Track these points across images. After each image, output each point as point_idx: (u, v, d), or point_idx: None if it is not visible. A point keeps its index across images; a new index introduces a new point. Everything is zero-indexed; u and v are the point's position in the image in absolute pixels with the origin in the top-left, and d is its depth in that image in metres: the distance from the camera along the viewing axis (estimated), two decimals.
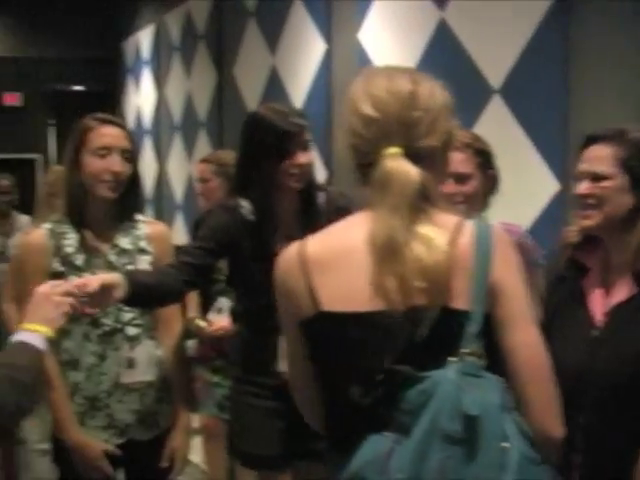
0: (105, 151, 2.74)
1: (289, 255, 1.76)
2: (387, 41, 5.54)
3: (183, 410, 2.93)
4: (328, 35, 6.31)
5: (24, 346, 2.06)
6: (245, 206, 2.86)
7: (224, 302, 3.96)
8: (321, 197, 2.97)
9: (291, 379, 1.88)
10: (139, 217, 2.94)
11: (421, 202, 1.64)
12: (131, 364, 2.77)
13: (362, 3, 5.77)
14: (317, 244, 1.74)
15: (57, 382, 2.73)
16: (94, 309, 2.39)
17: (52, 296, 2.20)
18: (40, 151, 12.53)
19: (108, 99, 11.97)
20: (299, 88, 6.76)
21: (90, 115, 2.86)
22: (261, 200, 2.83)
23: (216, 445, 4.10)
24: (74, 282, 2.34)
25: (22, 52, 12.50)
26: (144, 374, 2.81)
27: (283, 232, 2.83)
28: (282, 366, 2.72)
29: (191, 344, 4.11)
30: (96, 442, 2.74)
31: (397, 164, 1.64)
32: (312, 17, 6.54)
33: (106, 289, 2.40)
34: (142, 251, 2.87)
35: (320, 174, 6.03)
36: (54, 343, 2.72)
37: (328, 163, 6.19)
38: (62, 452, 2.79)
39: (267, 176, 2.80)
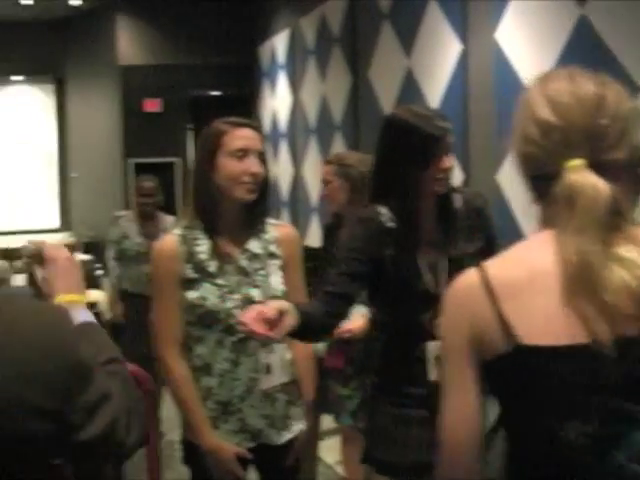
0: (242, 153, 2.73)
1: (468, 283, 1.53)
2: (524, 40, 5.42)
3: (311, 411, 2.92)
4: (464, 35, 6.23)
5: (102, 333, 1.80)
6: (384, 213, 2.77)
7: None
8: (457, 199, 2.87)
9: (454, 433, 1.59)
10: (268, 220, 2.93)
11: (613, 219, 1.45)
12: (269, 370, 2.77)
13: (498, 2, 5.67)
14: (500, 269, 1.52)
15: (190, 387, 2.75)
16: (275, 335, 2.36)
17: (74, 259, 1.93)
18: (179, 155, 12.85)
19: (244, 103, 12.16)
20: (435, 90, 6.69)
21: (222, 119, 2.86)
22: (404, 206, 2.74)
23: (354, 450, 4.09)
24: (255, 309, 2.32)
25: (162, 60, 12.84)
26: (279, 378, 2.81)
27: (423, 238, 2.76)
28: (432, 375, 2.68)
29: (320, 347, 4.11)
30: (229, 445, 2.75)
31: (583, 177, 1.45)
32: (447, 18, 6.47)
33: (281, 315, 2.37)
34: (272, 255, 2.85)
35: (457, 177, 5.95)
36: (188, 348, 2.75)
37: (465, 166, 6.10)
38: (193, 454, 2.81)
39: (410, 182, 2.71)
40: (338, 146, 8.78)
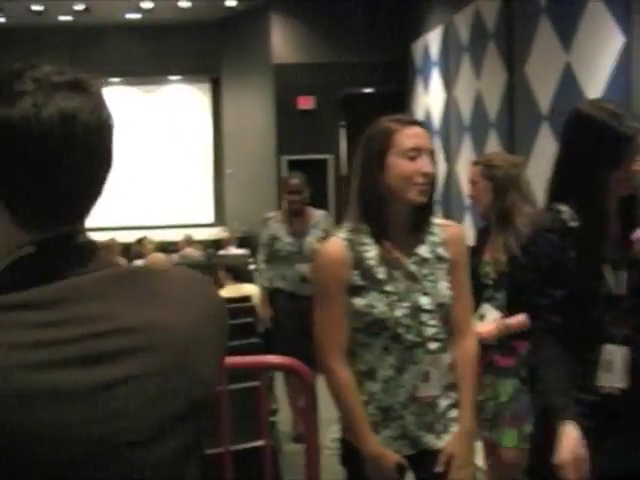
0: (415, 153, 2.60)
1: None
2: None
3: (466, 415, 2.81)
4: (627, 27, 6.01)
5: None
6: (565, 211, 2.63)
7: (487, 308, 3.84)
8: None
9: None
10: (434, 220, 2.80)
11: None
12: (426, 378, 2.69)
13: None
14: None
15: (354, 392, 2.69)
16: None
17: None
18: (332, 152, 12.94)
19: (397, 100, 12.14)
20: (595, 85, 6.49)
21: (388, 117, 2.75)
22: (590, 207, 2.60)
23: (493, 460, 4.00)
24: (572, 458, 2.38)
25: (315, 58, 12.97)
26: (435, 388, 2.71)
27: (606, 238, 2.63)
28: (601, 380, 2.58)
29: None
30: (391, 453, 2.68)
31: None
32: (610, 9, 6.26)
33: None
34: (440, 259, 2.72)
35: None
36: (352, 353, 2.70)
37: None
38: (352, 456, 2.76)
39: (598, 182, 2.57)
40: (492, 144, 8.65)
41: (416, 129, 2.65)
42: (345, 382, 2.68)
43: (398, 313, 2.61)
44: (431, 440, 2.72)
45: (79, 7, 13.78)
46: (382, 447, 2.67)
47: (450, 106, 10.22)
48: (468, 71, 9.52)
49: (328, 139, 12.90)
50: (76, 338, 1.09)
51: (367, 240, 2.67)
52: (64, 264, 1.14)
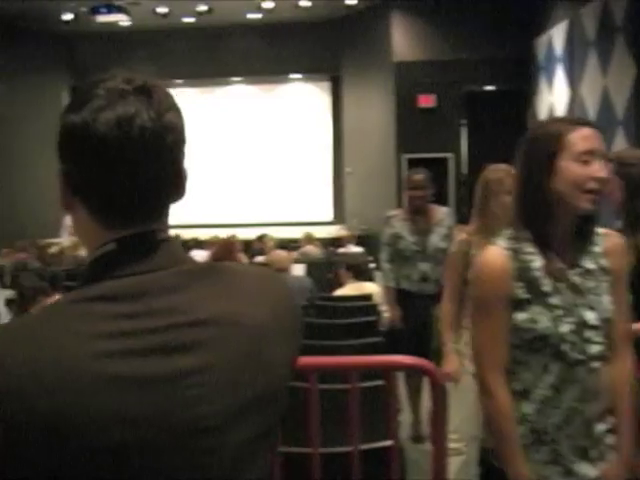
0: (589, 156, 2.42)
1: None
2: None
3: (627, 442, 2.65)
4: None
5: None
6: None
7: None
8: None
9: None
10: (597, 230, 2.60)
11: None
12: (587, 398, 2.55)
13: None
14: None
15: (512, 418, 2.53)
16: None
17: None
18: (453, 150, 12.83)
19: (520, 98, 11.95)
20: None
21: (555, 117, 2.60)
22: None
23: None
24: None
25: (436, 55, 12.89)
26: (595, 410, 2.58)
27: None
28: None
29: None
30: None
31: None
32: None
33: None
34: (603, 270, 2.55)
35: None
36: (509, 372, 2.58)
37: None
38: (493, 477, 2.66)
39: None
40: (620, 142, 8.42)
41: (588, 130, 2.45)
42: (503, 404, 2.53)
43: (563, 329, 2.48)
44: (584, 468, 2.54)
45: (202, 8, 14.05)
46: (532, 476, 2.55)
47: (575, 104, 10.00)
48: (594, 67, 9.30)
49: (449, 137, 12.80)
50: (157, 329, 1.16)
51: (531, 249, 2.53)
52: (144, 260, 1.22)
